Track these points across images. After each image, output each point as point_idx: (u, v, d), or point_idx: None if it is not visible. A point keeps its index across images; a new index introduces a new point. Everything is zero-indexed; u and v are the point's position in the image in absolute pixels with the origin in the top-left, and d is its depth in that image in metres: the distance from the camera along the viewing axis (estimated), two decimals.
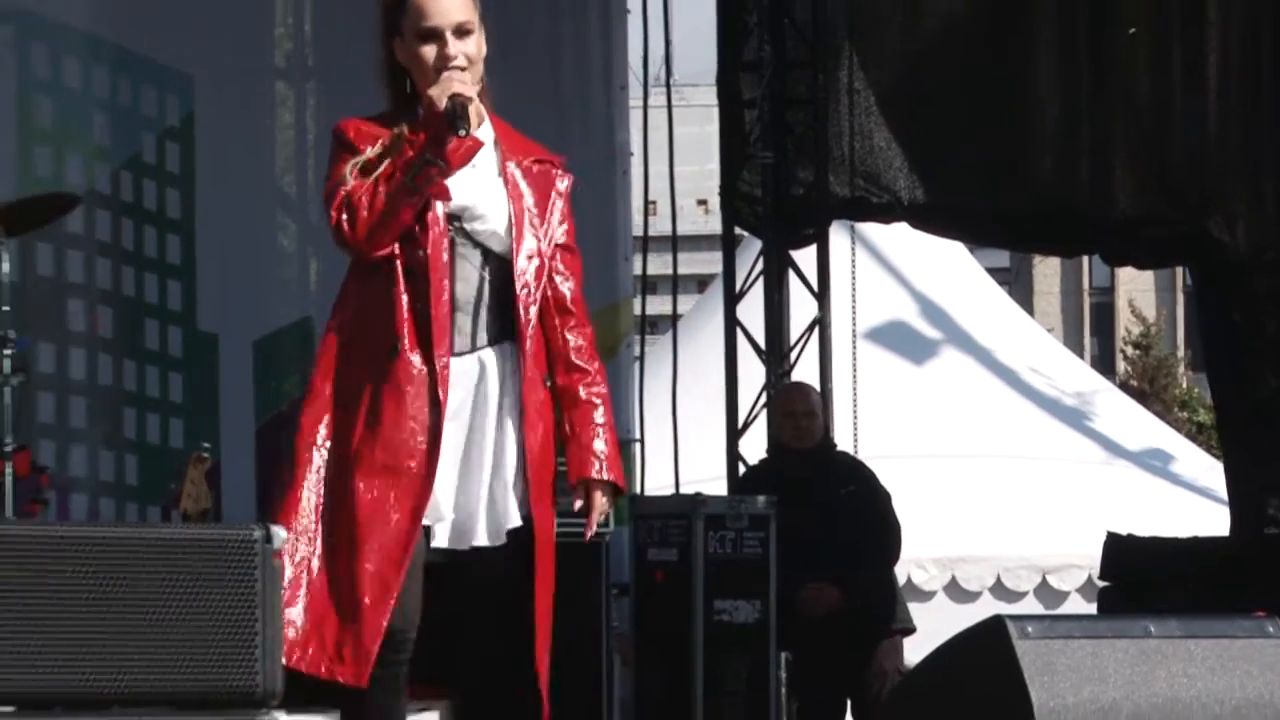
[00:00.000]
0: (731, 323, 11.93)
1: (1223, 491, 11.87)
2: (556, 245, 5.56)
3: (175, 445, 10.51)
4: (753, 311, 11.87)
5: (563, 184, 5.56)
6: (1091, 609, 11.51)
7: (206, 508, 8.35)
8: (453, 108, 5.20)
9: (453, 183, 5.30)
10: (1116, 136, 11.47)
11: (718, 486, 11.15)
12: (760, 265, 11.88)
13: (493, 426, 5.41)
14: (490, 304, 5.40)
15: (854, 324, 12.26)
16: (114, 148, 10.71)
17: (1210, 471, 13.70)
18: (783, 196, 11.63)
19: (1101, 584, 10.93)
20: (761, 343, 11.79)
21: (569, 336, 5.62)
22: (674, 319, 13.08)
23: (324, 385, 5.35)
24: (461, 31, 5.37)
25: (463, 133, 5.20)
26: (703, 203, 15.58)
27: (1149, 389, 32.23)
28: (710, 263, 13.25)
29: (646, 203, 11.94)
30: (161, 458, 10.49)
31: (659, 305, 15.66)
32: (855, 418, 11.82)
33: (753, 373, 11.77)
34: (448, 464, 5.33)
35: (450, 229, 5.34)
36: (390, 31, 5.43)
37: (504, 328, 5.42)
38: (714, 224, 12.18)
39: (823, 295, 11.79)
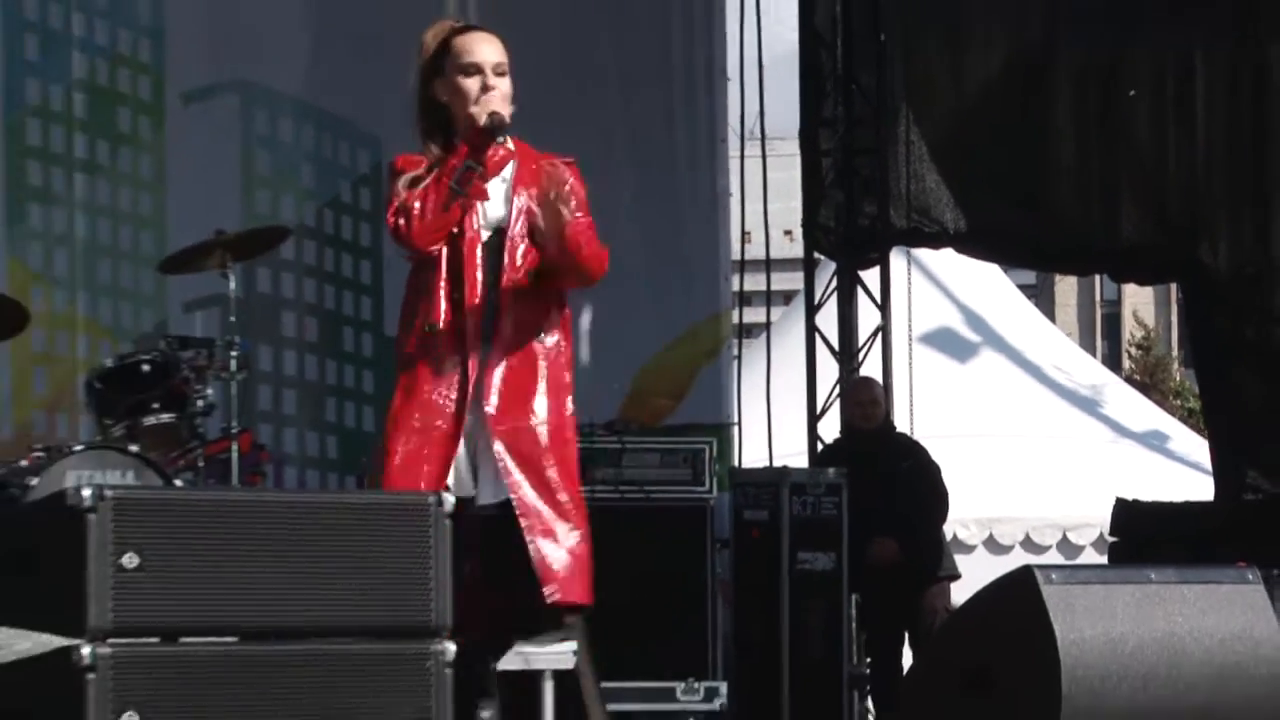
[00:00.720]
0: (811, 329, 11.91)
1: (1209, 465, 11.78)
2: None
3: (367, 428, 10.55)
4: (828, 320, 11.85)
5: (568, 177, 5.30)
6: (1103, 560, 11.43)
7: None
8: (492, 122, 5.14)
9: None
10: (1121, 178, 11.40)
11: (800, 460, 11.12)
12: (834, 283, 11.87)
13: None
14: None
15: (910, 330, 12.20)
16: (318, 190, 10.76)
17: (1200, 449, 13.57)
18: (852, 227, 11.61)
19: (1111, 540, 10.84)
20: (835, 345, 11.76)
21: None
22: (766, 326, 13.07)
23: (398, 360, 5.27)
24: (499, 70, 5.28)
25: (500, 138, 5.13)
26: (788, 233, 15.43)
27: (1149, 382, 31.93)
28: (794, 281, 13.18)
29: (743, 233, 11.93)
30: (356, 438, 10.53)
31: (754, 315, 15.62)
32: (911, 406, 11.75)
33: (828, 370, 11.74)
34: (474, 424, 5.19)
35: (483, 231, 5.23)
36: (432, 73, 5.31)
37: None
38: (797, 250, 12.12)
39: (884, 307, 11.75)
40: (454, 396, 5.19)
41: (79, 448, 7.69)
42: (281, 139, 10.61)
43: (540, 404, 5.30)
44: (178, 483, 7.67)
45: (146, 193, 10.16)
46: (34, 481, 7.41)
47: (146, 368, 7.99)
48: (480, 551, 5.16)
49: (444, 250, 5.20)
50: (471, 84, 5.24)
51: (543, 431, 5.29)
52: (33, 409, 9.70)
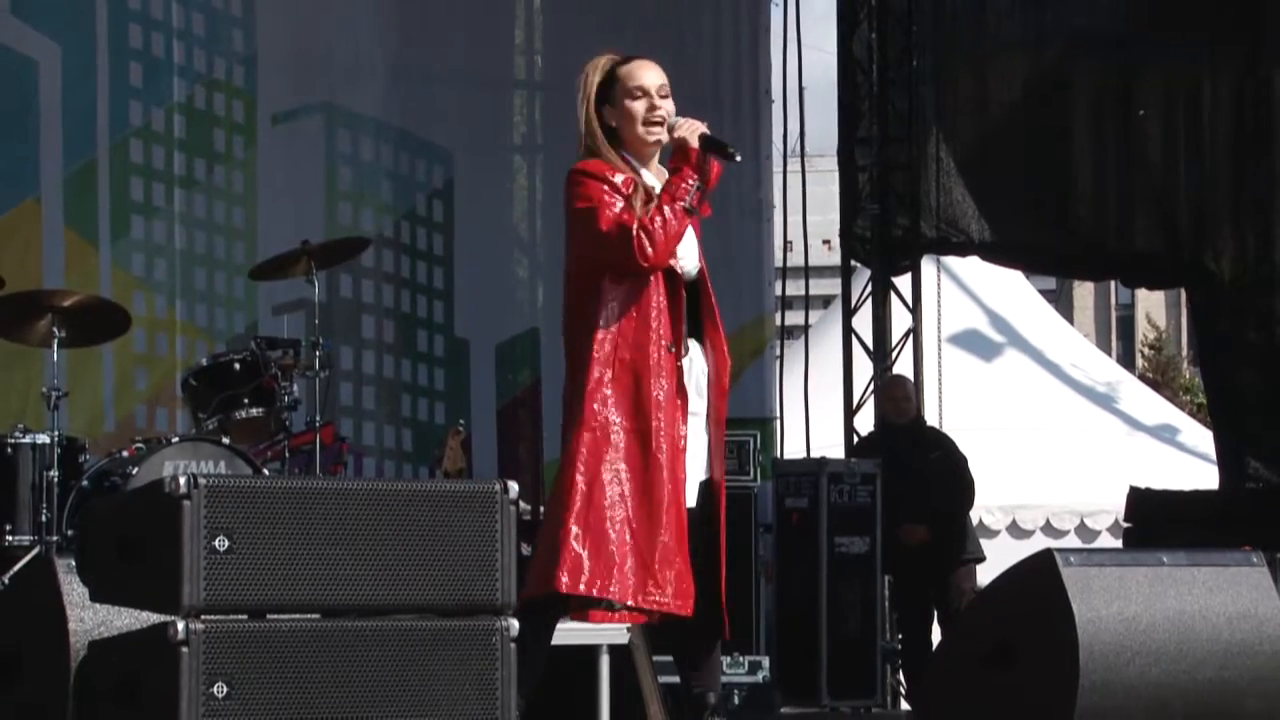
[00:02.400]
0: (848, 331, 11.87)
1: (1216, 456, 11.71)
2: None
3: (439, 422, 10.56)
4: (863, 322, 11.81)
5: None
6: (1118, 544, 11.36)
7: (462, 467, 8.36)
8: (709, 140, 5.08)
9: None
10: (1133, 191, 11.36)
11: (837, 452, 11.09)
12: (869, 288, 11.83)
13: (704, 403, 5.22)
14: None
15: (939, 331, 12.14)
16: (395, 204, 10.78)
17: (1207, 442, 13.46)
18: (886, 237, 11.57)
19: (1125, 525, 10.78)
20: (870, 346, 11.72)
21: None
22: (805, 328, 13.03)
23: (603, 374, 5.11)
24: (663, 92, 5.22)
25: (733, 153, 5.09)
26: (826, 242, 15.41)
27: (1161, 380, 31.72)
28: (832, 286, 13.15)
29: (785, 242, 11.91)
30: (429, 431, 10.54)
31: (794, 318, 15.61)
32: (940, 401, 11.70)
33: (863, 368, 11.71)
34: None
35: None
36: (601, 101, 5.23)
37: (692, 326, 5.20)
38: (835, 258, 12.09)
39: (916, 310, 11.71)
40: (676, 402, 5.10)
41: (175, 440, 7.70)
42: (362, 156, 10.63)
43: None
44: (265, 472, 7.69)
45: (239, 206, 10.20)
46: (135, 471, 7.43)
47: (238, 366, 8.00)
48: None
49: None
50: (639, 106, 5.18)
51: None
52: (135, 404, 9.74)
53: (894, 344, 11.64)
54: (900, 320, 11.69)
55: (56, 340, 7.64)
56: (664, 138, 5.16)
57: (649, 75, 5.21)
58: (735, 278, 11.51)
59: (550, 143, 11.19)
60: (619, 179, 5.11)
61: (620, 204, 5.05)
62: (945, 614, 9.99)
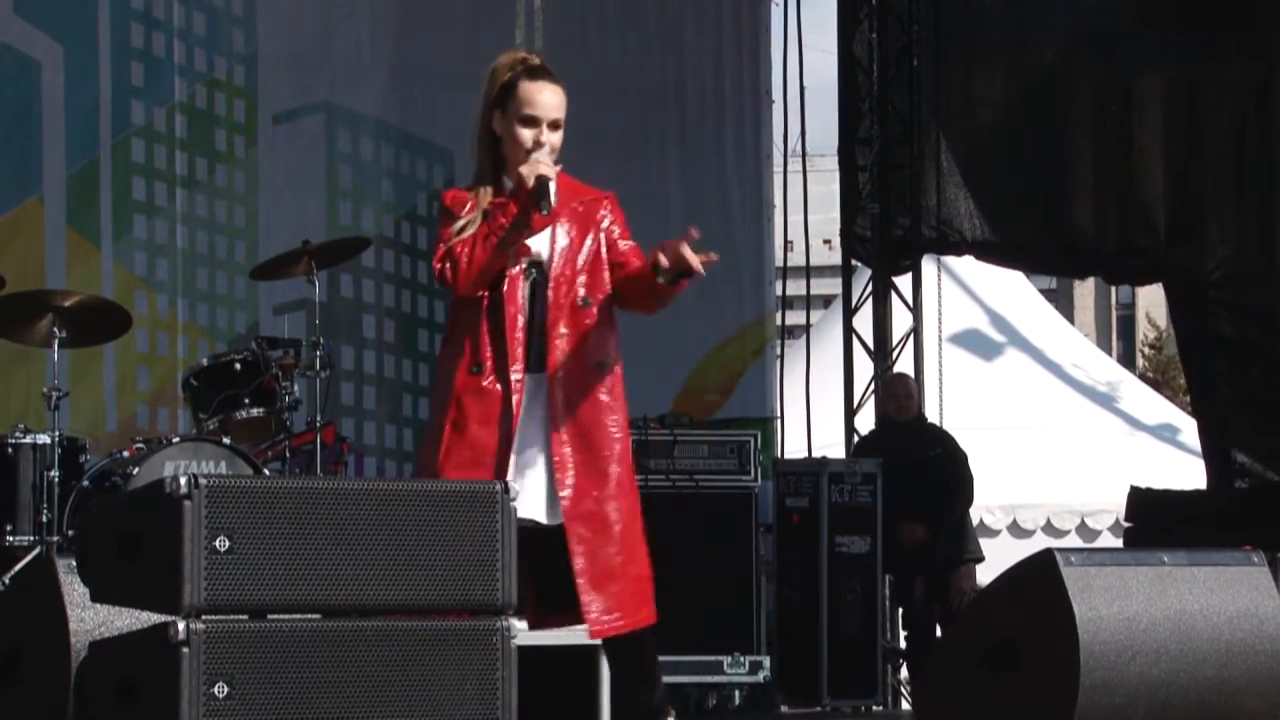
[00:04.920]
0: (849, 330, 11.88)
1: None
2: (610, 243, 5.18)
3: None
4: (864, 322, 11.81)
5: (604, 210, 5.21)
6: (1119, 543, 11.36)
7: None
8: (540, 187, 4.96)
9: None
10: (1115, 192, 11.39)
11: (837, 452, 11.09)
12: (870, 288, 11.84)
13: (542, 433, 5.06)
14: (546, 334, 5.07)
15: (940, 331, 12.14)
16: (396, 203, 10.77)
17: None
18: (886, 237, 11.58)
19: (1126, 524, 10.79)
20: (871, 345, 11.72)
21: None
22: (807, 328, 13.03)
23: (435, 396, 5.14)
24: (555, 125, 5.14)
25: (545, 210, 4.95)
26: (827, 242, 15.40)
27: (1161, 379, 31.70)
28: (833, 286, 13.15)
29: (785, 242, 11.91)
30: None
31: (795, 318, 15.62)
32: (941, 401, 11.70)
33: (864, 368, 11.71)
34: (519, 459, 5.03)
35: (525, 274, 5.05)
36: (495, 105, 5.15)
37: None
38: (835, 257, 12.09)
39: (916, 310, 11.71)
40: (499, 430, 5.00)
41: (176, 440, 7.70)
42: (363, 156, 10.63)
43: (607, 445, 5.10)
44: (266, 472, 7.68)
45: (240, 206, 10.19)
46: (135, 471, 7.43)
47: (238, 366, 8.00)
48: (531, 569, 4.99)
49: (486, 291, 5.05)
50: (527, 135, 5.09)
51: (614, 472, 5.10)
52: (136, 404, 9.74)
53: (894, 344, 11.64)
54: (901, 320, 11.69)
55: (57, 340, 7.64)
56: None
57: (548, 103, 5.12)
58: (736, 278, 11.51)
59: None
60: (463, 199, 5.05)
61: (449, 229, 5.00)
62: (945, 614, 9.99)
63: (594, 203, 5.22)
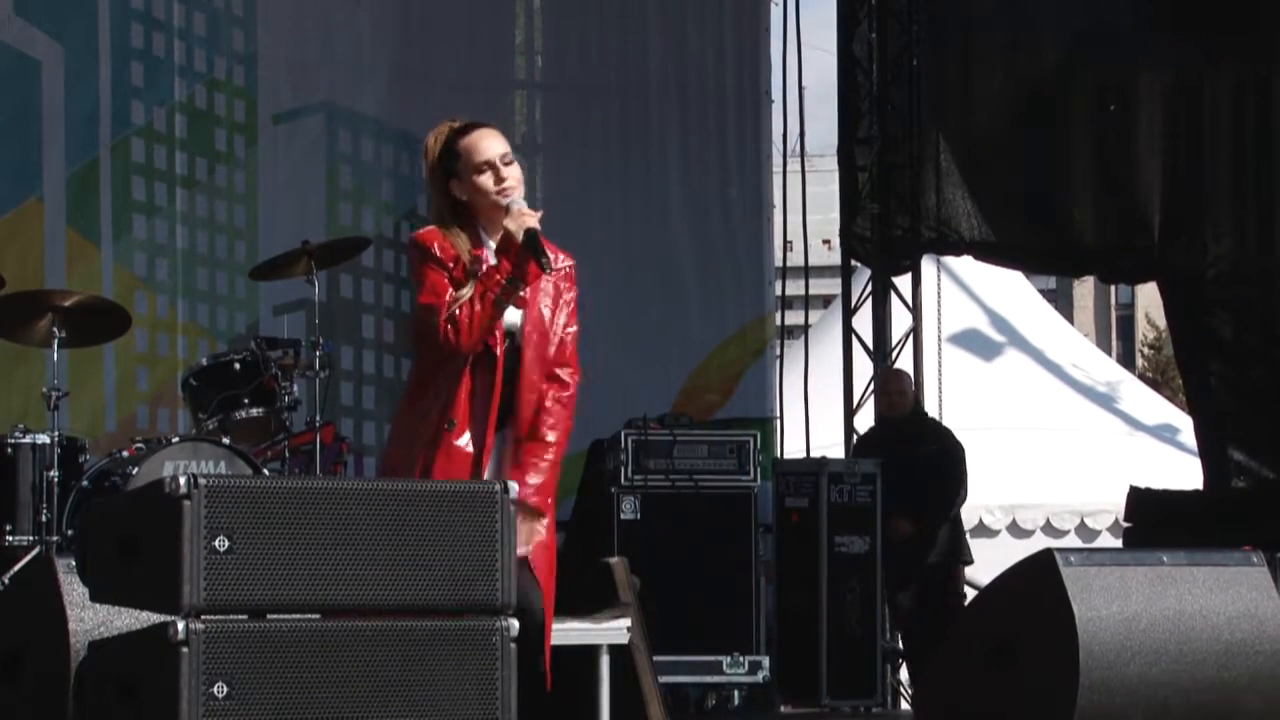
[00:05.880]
0: (848, 330, 11.87)
1: None
2: (563, 337, 5.22)
3: None
4: (864, 322, 11.80)
5: (569, 294, 5.25)
6: (1118, 543, 11.36)
7: None
8: (532, 242, 5.00)
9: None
10: (1113, 192, 11.39)
11: (837, 451, 11.09)
12: (869, 288, 11.82)
13: None
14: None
15: (939, 331, 12.14)
16: (396, 203, 10.77)
17: None
18: (886, 237, 11.56)
19: (1126, 525, 10.78)
20: (870, 345, 11.72)
21: (551, 396, 5.21)
22: (806, 328, 13.02)
23: (395, 451, 5.17)
24: (506, 160, 5.17)
25: (546, 268, 5.02)
26: (826, 242, 15.42)
27: (1161, 379, 31.68)
28: (832, 286, 13.14)
29: (785, 242, 11.90)
30: None
31: (794, 318, 15.61)
32: (940, 401, 11.70)
33: (863, 368, 11.70)
34: None
35: (503, 339, 5.10)
36: (445, 175, 5.19)
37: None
38: (835, 258, 12.09)
39: (916, 310, 11.70)
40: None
41: (176, 440, 7.70)
42: (362, 157, 10.62)
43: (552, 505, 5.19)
44: (265, 472, 7.68)
45: (240, 206, 10.19)
46: (135, 471, 7.43)
47: (238, 366, 8.00)
48: None
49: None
50: (488, 180, 5.12)
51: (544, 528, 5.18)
52: (136, 404, 9.73)
53: (894, 344, 11.63)
54: (900, 320, 11.68)
55: (57, 340, 7.64)
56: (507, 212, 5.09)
57: (492, 146, 5.15)
58: (736, 278, 11.51)
59: (550, 143, 11.18)
60: (446, 250, 5.08)
61: (441, 277, 5.03)
62: (931, 611, 9.97)
63: (561, 280, 5.23)
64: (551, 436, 5.13)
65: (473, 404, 5.05)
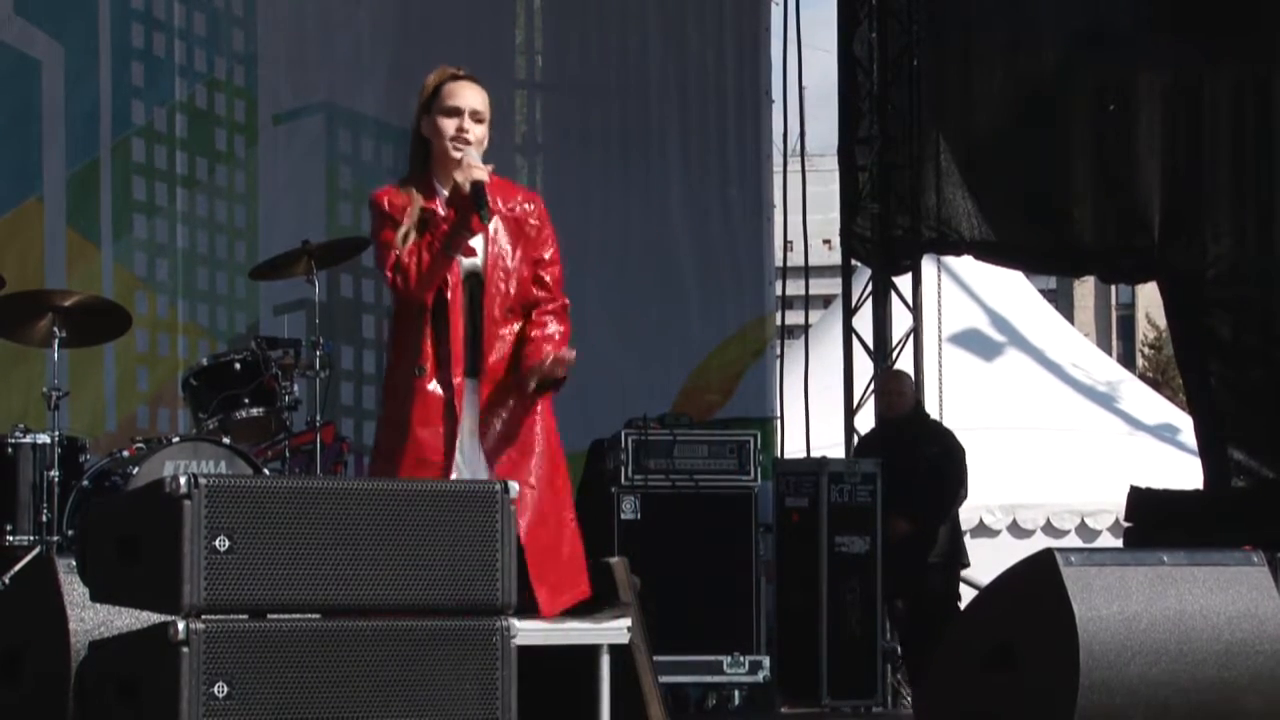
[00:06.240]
0: (848, 330, 11.87)
1: None
2: (537, 260, 5.41)
3: None
4: (864, 322, 11.80)
5: (533, 222, 5.41)
6: (1118, 543, 11.36)
7: None
8: (476, 192, 5.16)
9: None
10: (1113, 192, 11.39)
11: (837, 452, 11.09)
12: (870, 288, 11.83)
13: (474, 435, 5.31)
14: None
15: (940, 331, 12.14)
16: None
17: None
18: (887, 237, 11.56)
19: (1126, 525, 10.78)
20: (870, 345, 11.72)
21: (543, 309, 5.41)
22: (806, 328, 13.03)
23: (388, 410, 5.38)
24: (477, 117, 5.33)
25: (485, 218, 5.18)
26: (827, 242, 15.41)
27: (1161, 379, 31.69)
28: (833, 286, 13.15)
29: (785, 242, 11.91)
30: None
31: (795, 318, 15.61)
32: (941, 401, 11.70)
33: (864, 368, 11.70)
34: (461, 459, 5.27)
35: (464, 282, 5.29)
36: (423, 110, 5.38)
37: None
38: (835, 257, 12.09)
39: (916, 310, 11.71)
40: (443, 431, 5.25)
41: (176, 440, 7.70)
42: (362, 157, 10.63)
43: (534, 438, 5.35)
44: (266, 472, 7.68)
45: (240, 206, 10.19)
46: (135, 471, 7.43)
47: (238, 366, 8.00)
48: None
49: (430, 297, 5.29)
50: (449, 123, 5.33)
51: (535, 466, 5.37)
52: (136, 404, 9.74)
53: (894, 344, 11.64)
54: (901, 320, 11.69)
55: (57, 340, 7.64)
56: (457, 161, 5.27)
57: (468, 96, 5.35)
58: (736, 277, 11.52)
59: (551, 142, 11.18)
60: (399, 203, 5.27)
61: (393, 233, 5.22)
62: (929, 613, 9.97)
63: (524, 212, 5.41)
64: (552, 328, 5.33)
65: (437, 349, 5.24)
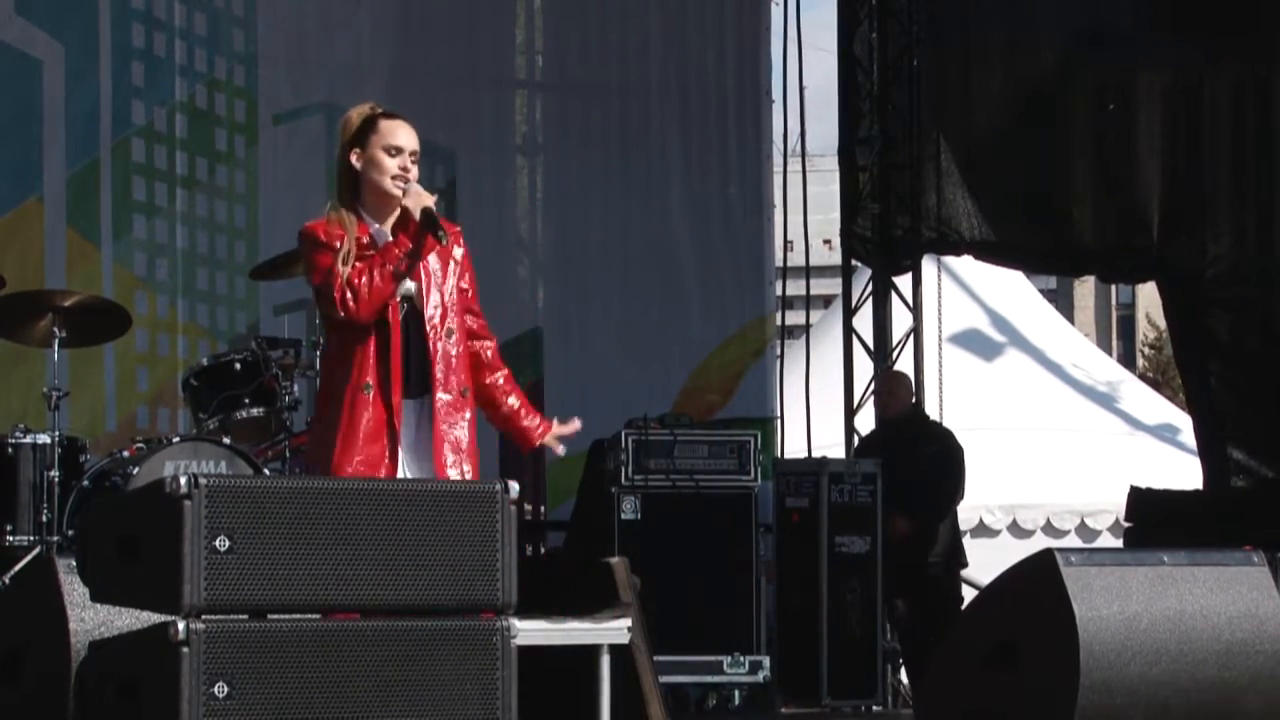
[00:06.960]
0: (848, 330, 11.86)
1: None
2: (461, 290, 5.56)
3: None
4: (864, 322, 11.80)
5: (458, 251, 5.57)
6: (1119, 543, 11.35)
7: None
8: (429, 217, 5.34)
9: None
10: (1113, 192, 11.38)
11: (837, 452, 11.08)
12: (870, 288, 11.82)
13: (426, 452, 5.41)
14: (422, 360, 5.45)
15: (940, 331, 12.13)
16: None
17: None
18: (887, 237, 11.56)
19: (1126, 525, 10.78)
20: (870, 345, 11.72)
21: (485, 353, 5.63)
22: (806, 328, 13.02)
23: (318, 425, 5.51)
24: (415, 158, 5.48)
25: (442, 239, 5.37)
26: (827, 242, 15.43)
27: (1161, 379, 31.68)
28: (833, 286, 13.15)
29: (785, 242, 11.91)
30: None
31: (795, 318, 15.62)
32: (941, 401, 11.70)
33: (864, 368, 11.70)
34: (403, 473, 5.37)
35: (399, 305, 5.41)
36: (353, 144, 5.50)
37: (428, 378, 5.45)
38: (835, 257, 12.09)
39: (916, 310, 11.70)
40: (387, 446, 5.32)
41: (176, 440, 7.70)
42: None
43: (472, 452, 5.48)
44: (266, 472, 7.68)
45: (240, 206, 10.19)
46: (135, 471, 7.43)
47: (238, 366, 8.01)
48: None
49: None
50: (391, 163, 5.45)
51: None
52: (136, 404, 9.74)
53: (895, 344, 11.63)
54: (901, 320, 11.68)
55: (57, 340, 7.64)
56: (400, 196, 5.42)
57: (406, 137, 5.49)
58: (736, 277, 11.52)
59: (551, 142, 11.19)
60: (331, 235, 5.39)
61: (331, 258, 5.34)
62: (928, 614, 9.97)
63: (450, 240, 5.56)
64: (502, 378, 5.60)
65: (379, 368, 5.34)
